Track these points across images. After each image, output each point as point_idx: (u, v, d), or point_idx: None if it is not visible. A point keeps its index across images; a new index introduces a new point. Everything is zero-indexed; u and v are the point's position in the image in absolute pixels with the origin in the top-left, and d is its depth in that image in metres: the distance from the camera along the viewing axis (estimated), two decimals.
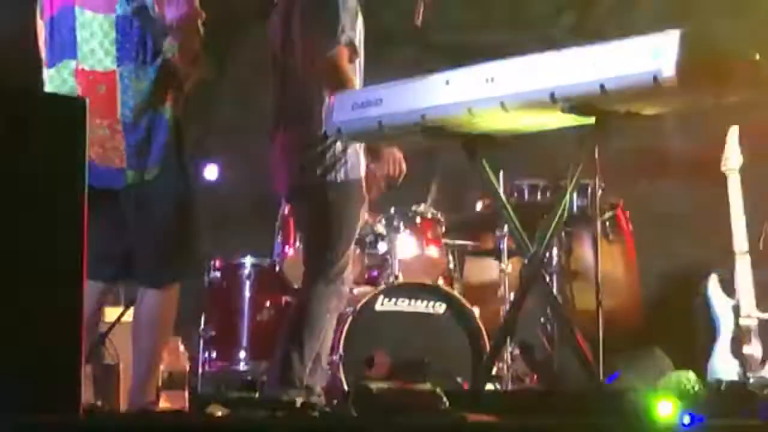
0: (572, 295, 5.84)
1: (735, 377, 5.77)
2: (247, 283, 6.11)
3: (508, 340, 5.58)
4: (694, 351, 5.99)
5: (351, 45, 5.28)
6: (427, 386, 4.25)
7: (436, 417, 3.96)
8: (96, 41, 4.61)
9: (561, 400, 4.81)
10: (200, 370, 6.06)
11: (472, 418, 3.90)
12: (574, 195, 5.70)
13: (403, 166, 5.50)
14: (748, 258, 5.95)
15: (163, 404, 4.40)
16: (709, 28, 5.94)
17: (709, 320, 5.96)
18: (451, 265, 6.34)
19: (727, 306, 5.94)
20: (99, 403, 4.76)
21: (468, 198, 6.66)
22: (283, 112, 5.50)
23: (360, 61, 5.45)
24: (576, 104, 4.70)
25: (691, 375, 5.47)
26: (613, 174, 5.95)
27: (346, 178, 5.32)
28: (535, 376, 6.11)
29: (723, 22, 6.98)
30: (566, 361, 5.55)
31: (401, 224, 6.09)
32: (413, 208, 6.23)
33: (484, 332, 5.78)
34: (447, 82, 4.93)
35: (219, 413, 4.07)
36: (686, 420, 3.95)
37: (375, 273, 6.16)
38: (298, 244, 6.11)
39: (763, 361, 5.86)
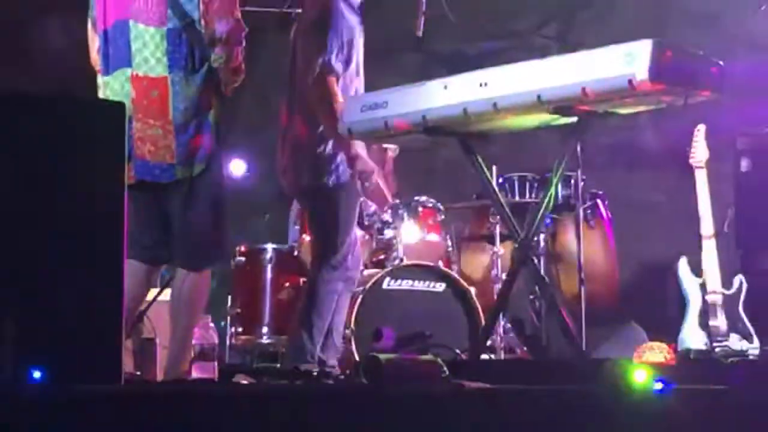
0: (557, 276, 5.84)
1: (702, 347, 5.77)
2: (269, 266, 6.13)
3: (501, 316, 5.57)
4: (667, 324, 5.96)
5: (331, 69, 5.27)
6: (429, 357, 4.25)
7: (437, 384, 3.95)
8: (149, 51, 4.61)
9: (548, 369, 4.81)
10: (228, 344, 6.07)
11: (469, 386, 3.90)
12: (559, 186, 5.68)
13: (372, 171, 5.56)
14: (713, 241, 5.96)
15: (195, 374, 4.40)
16: (677, 37, 5.89)
17: (679, 297, 5.96)
18: (450, 249, 6.35)
19: (695, 284, 5.94)
20: (138, 373, 4.76)
21: (463, 188, 6.65)
22: (290, 121, 5.51)
23: (361, 69, 5.47)
24: (560, 105, 4.72)
25: (664, 346, 5.47)
26: (593, 167, 5.94)
27: (338, 181, 5.33)
28: (525, 348, 6.11)
29: (690, 31, 6.96)
30: (553, 334, 5.55)
31: (405, 213, 6.13)
32: (415, 198, 6.25)
33: (479, 309, 5.78)
34: (445, 87, 4.94)
35: (244, 382, 4.07)
36: (659, 386, 3.95)
37: (382, 256, 6.19)
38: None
39: (727, 333, 5.86)
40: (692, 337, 5.87)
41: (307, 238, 6.06)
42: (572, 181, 5.90)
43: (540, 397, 3.80)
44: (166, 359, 4.78)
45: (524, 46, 5.47)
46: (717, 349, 5.74)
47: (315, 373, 4.64)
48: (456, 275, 5.97)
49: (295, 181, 5.49)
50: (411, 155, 5.82)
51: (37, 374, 3.32)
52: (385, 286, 5.81)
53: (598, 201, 6.31)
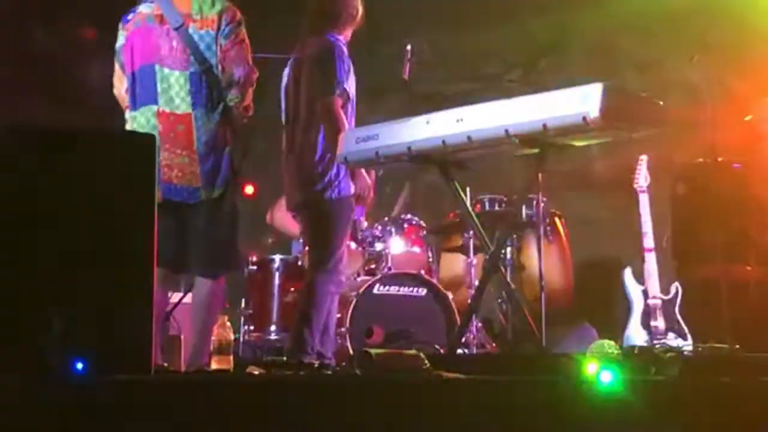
0: (521, 283, 5.84)
1: (644, 344, 5.80)
2: (277, 274, 6.13)
3: (474, 316, 5.57)
4: (614, 324, 5.99)
5: (344, 94, 5.30)
6: (413, 351, 4.24)
7: (419, 375, 3.95)
8: (174, 91, 4.58)
9: (514, 362, 4.81)
10: (241, 340, 6.07)
11: (447, 376, 3.89)
12: (523, 206, 5.69)
13: (369, 186, 5.58)
14: (653, 254, 5.98)
15: (214, 366, 4.40)
16: (623, 80, 5.91)
17: (625, 301, 5.98)
18: (430, 260, 6.35)
19: (638, 290, 5.96)
20: (165, 364, 4.76)
21: (442, 208, 6.65)
22: (291, 141, 5.50)
23: (353, 105, 5.46)
24: (524, 138, 4.72)
25: (612, 343, 5.48)
26: (552, 190, 5.95)
27: (339, 195, 5.33)
28: (494, 344, 6.12)
29: (634, 75, 6.99)
30: (517, 332, 5.55)
31: (393, 229, 6.13)
32: (401, 216, 6.26)
33: (455, 310, 5.79)
34: (427, 122, 4.94)
35: (256, 372, 4.07)
36: (607, 377, 3.97)
37: (373, 265, 6.19)
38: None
39: (665, 332, 5.89)
40: (636, 335, 5.90)
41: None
42: (534, 203, 5.91)
43: (506, 386, 3.79)
44: (189, 353, 4.77)
45: (493, 88, 5.49)
46: (657, 346, 5.76)
47: (316, 365, 4.64)
48: (436, 282, 5.97)
49: (298, 195, 5.46)
50: (398, 180, 5.83)
51: (79, 366, 3.30)
52: (375, 290, 5.80)
53: (556, 219, 6.32)
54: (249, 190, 7.00)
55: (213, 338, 4.55)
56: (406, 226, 6.22)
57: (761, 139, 6.59)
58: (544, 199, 5.97)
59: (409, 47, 5.70)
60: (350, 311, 5.67)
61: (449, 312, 5.75)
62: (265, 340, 6.08)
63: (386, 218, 6.23)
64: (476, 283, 5.64)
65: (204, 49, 4.57)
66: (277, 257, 6.19)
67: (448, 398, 3.65)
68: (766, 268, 6.42)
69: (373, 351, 4.38)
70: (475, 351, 5.88)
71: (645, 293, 5.96)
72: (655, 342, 5.83)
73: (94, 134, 4.17)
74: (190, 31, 4.56)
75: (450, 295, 5.83)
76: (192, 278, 4.88)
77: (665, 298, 5.96)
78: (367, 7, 5.45)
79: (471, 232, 6.02)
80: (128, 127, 4.66)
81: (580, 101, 4.54)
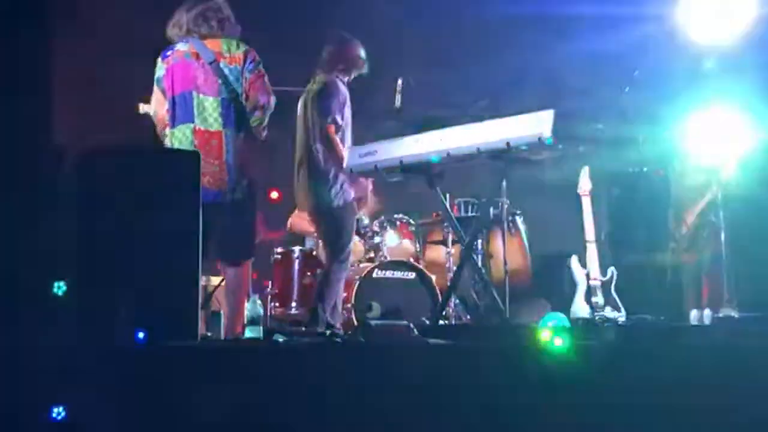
0: (489, 267, 5.84)
1: (587, 316, 5.79)
2: (296, 262, 6.10)
3: (452, 295, 5.58)
4: (563, 300, 5.95)
5: (335, 123, 5.30)
6: (404, 322, 4.25)
7: (409, 341, 3.97)
8: (207, 113, 4.55)
9: (484, 331, 4.82)
10: (269, 314, 6.07)
11: (431, 342, 3.93)
12: (491, 207, 5.68)
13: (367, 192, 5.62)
14: (594, 245, 5.96)
15: (247, 334, 4.40)
16: (569, 106, 5.88)
17: (571, 282, 5.98)
18: (418, 250, 6.36)
19: (582, 273, 5.95)
20: (209, 333, 4.75)
21: (427, 209, 6.63)
22: (301, 157, 5.47)
23: (349, 129, 5.45)
24: (491, 154, 4.72)
25: (561, 315, 5.49)
26: (514, 194, 5.95)
27: (345, 202, 5.33)
28: (468, 317, 6.12)
29: (577, 102, 6.96)
30: (487, 307, 5.55)
31: (388, 226, 6.14)
32: (395, 215, 6.26)
33: (438, 290, 5.79)
34: (415, 141, 4.94)
35: (281, 339, 4.07)
36: (558, 342, 3.97)
37: (372, 255, 6.17)
38: None
39: (603, 306, 5.88)
40: (580, 309, 5.88)
41: (321, 243, 6.04)
42: (499, 204, 5.92)
43: (478, 350, 3.80)
44: (226, 325, 4.75)
45: (467, 114, 5.48)
46: (597, 317, 5.76)
47: (328, 334, 4.64)
48: (422, 267, 5.97)
49: (311, 202, 5.44)
50: (392, 187, 5.82)
51: (141, 335, 3.34)
52: (374, 275, 5.79)
53: (517, 218, 6.31)
54: (274, 195, 6.99)
55: (246, 312, 4.55)
56: (398, 223, 6.23)
57: (676, 154, 6.62)
58: (507, 201, 5.97)
59: (399, 82, 5.69)
60: (354, 291, 5.67)
61: (433, 291, 5.76)
62: (287, 314, 6.07)
63: (382, 217, 6.23)
64: (454, 268, 5.64)
65: (233, 80, 4.56)
66: (297, 249, 6.18)
67: (432, 359, 3.66)
68: (680, 255, 6.44)
69: (372, 322, 4.41)
70: (453, 322, 5.88)
71: (587, 276, 5.95)
72: (595, 314, 5.82)
73: (159, 151, 4.24)
74: (221, 65, 4.55)
75: (433, 278, 5.84)
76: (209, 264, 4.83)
77: (603, 279, 5.95)
78: (367, 52, 5.45)
79: (450, 228, 6.02)
80: (167, 141, 4.63)
81: (536, 124, 4.54)
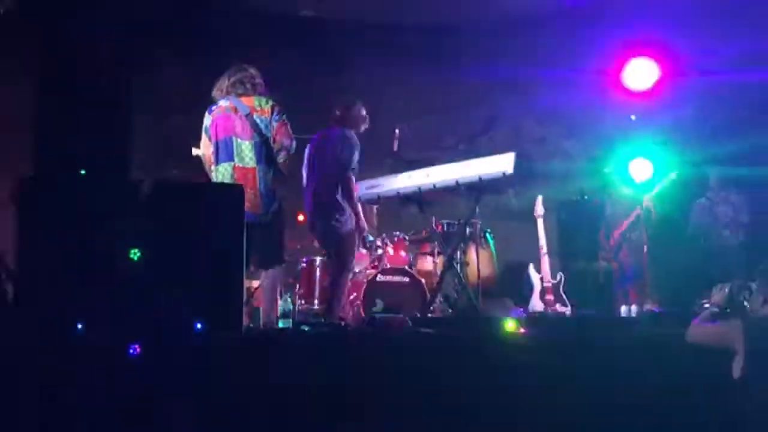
0: (466, 273, 5.78)
1: (541, 310, 5.79)
2: (318, 269, 6.01)
3: (438, 294, 5.53)
4: (523, 299, 5.92)
5: (353, 171, 5.09)
6: (401, 315, 4.25)
7: (405, 330, 3.96)
8: (244, 153, 4.49)
9: (462, 322, 4.81)
10: (297, 309, 6.00)
11: (422, 330, 3.95)
12: (467, 227, 5.63)
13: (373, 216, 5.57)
14: (547, 255, 5.97)
15: (280, 325, 4.39)
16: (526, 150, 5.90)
17: (529, 284, 5.97)
18: (411, 260, 6.27)
19: (537, 278, 5.95)
20: (251, 324, 4.72)
21: (418, 228, 6.57)
22: (315, 190, 5.18)
23: (357, 169, 5.22)
24: (468, 186, 4.76)
25: (521, 310, 5.49)
26: (485, 216, 5.90)
27: (348, 229, 5.21)
28: (450, 311, 6.05)
29: (532, 146, 6.97)
30: (464, 304, 5.51)
31: (388, 241, 6.05)
32: (393, 233, 6.16)
33: (427, 291, 5.69)
34: (409, 176, 4.98)
35: (306, 328, 4.05)
36: (520, 331, 3.97)
37: (376, 263, 6.05)
38: None
39: (554, 303, 5.88)
40: (536, 305, 5.89)
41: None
42: (474, 224, 5.85)
43: (458, 337, 3.83)
44: (264, 317, 4.65)
45: (449, 155, 5.50)
46: (549, 311, 5.77)
47: (342, 324, 4.61)
48: (414, 273, 5.88)
49: (320, 226, 5.17)
50: (391, 212, 5.85)
51: (198, 326, 3.29)
52: (378, 279, 5.65)
53: (487, 235, 6.23)
54: (300, 217, 6.95)
55: (279, 308, 4.54)
56: (396, 238, 6.15)
57: (608, 186, 6.65)
58: (479, 222, 5.95)
59: (397, 131, 5.69)
60: (363, 291, 5.60)
61: (422, 292, 5.65)
62: (311, 309, 6.02)
63: (384, 234, 6.20)
64: (439, 273, 5.63)
65: (263, 128, 4.51)
66: (318, 258, 6.12)
67: (422, 344, 3.68)
68: (610, 262, 6.46)
69: (377, 315, 4.41)
70: (438, 316, 5.84)
71: (541, 279, 5.95)
72: (547, 309, 5.83)
73: (215, 186, 4.23)
74: (254, 117, 4.52)
75: (423, 281, 5.78)
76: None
77: (554, 282, 5.95)
78: (371, 109, 5.42)
79: (435, 243, 5.99)
80: (212, 176, 4.56)
81: (501, 163, 4.59)
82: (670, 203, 6.43)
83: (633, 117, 6.61)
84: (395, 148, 5.65)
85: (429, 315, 5.15)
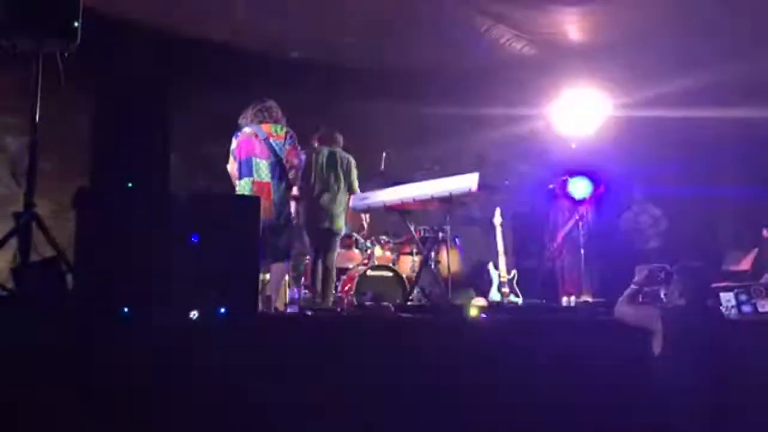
0: (439, 270, 5.77)
1: (499, 300, 5.79)
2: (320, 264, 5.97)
3: (416, 286, 5.49)
4: (484, 290, 5.92)
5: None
6: (386, 304, 4.25)
7: (389, 315, 3.97)
8: (261, 170, 4.46)
9: (435, 309, 4.77)
10: (302, 297, 5.95)
11: (403, 316, 3.93)
12: (440, 232, 5.58)
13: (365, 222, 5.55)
14: (504, 255, 5.96)
15: (288, 310, 4.36)
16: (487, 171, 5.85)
17: (489, 279, 5.96)
18: (395, 258, 6.22)
19: (496, 273, 5.95)
20: (264, 310, 4.68)
21: (401, 232, 6.54)
22: (319, 194, 5.24)
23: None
24: (440, 199, 4.73)
25: (483, 299, 5.49)
26: (455, 224, 5.77)
27: (341, 232, 5.26)
28: (426, 300, 5.98)
29: (493, 168, 6.96)
30: (437, 295, 5.49)
31: (376, 242, 6.04)
32: (381, 237, 6.14)
33: (407, 284, 5.67)
34: (394, 191, 4.96)
35: (310, 313, 4.04)
36: (482, 315, 3.97)
37: (366, 261, 6.02)
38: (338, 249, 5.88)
39: (509, 294, 5.87)
40: (495, 296, 5.89)
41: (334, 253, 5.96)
42: (445, 230, 5.82)
43: (432, 321, 3.84)
44: (274, 303, 4.60)
45: (425, 174, 5.47)
46: (505, 301, 5.77)
47: (338, 310, 4.60)
48: (397, 269, 5.86)
49: (322, 226, 5.23)
50: (379, 219, 5.82)
51: (222, 310, 3.25)
52: (368, 273, 5.61)
53: (456, 239, 6.24)
54: None
55: (289, 296, 4.50)
56: (382, 241, 6.15)
57: (553, 199, 6.68)
58: (450, 228, 5.91)
59: (384, 154, 5.71)
60: (355, 283, 5.58)
61: (404, 285, 5.65)
62: (313, 298, 5.99)
63: (372, 237, 6.18)
64: (417, 270, 5.61)
65: (278, 150, 4.49)
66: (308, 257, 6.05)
67: (403, 326, 3.66)
68: (553, 260, 6.46)
69: (367, 304, 4.40)
70: (416, 304, 5.81)
71: (499, 275, 5.96)
72: (504, 299, 5.82)
73: (237, 197, 4.20)
74: (271, 141, 4.50)
75: (404, 276, 5.77)
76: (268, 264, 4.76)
77: (509, 277, 5.96)
78: (363, 136, 5.42)
79: (414, 245, 5.96)
80: (237, 189, 4.53)
81: (468, 181, 4.57)
82: (602, 213, 6.47)
83: (573, 145, 6.65)
84: (382, 168, 5.66)
85: (409, 303, 5.14)
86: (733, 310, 3.92)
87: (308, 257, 5.94)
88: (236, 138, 4.60)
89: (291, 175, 4.54)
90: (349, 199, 5.34)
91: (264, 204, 4.35)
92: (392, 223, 5.94)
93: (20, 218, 3.44)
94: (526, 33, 6.09)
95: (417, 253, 5.92)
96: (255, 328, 3.31)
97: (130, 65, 5.99)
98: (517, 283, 5.98)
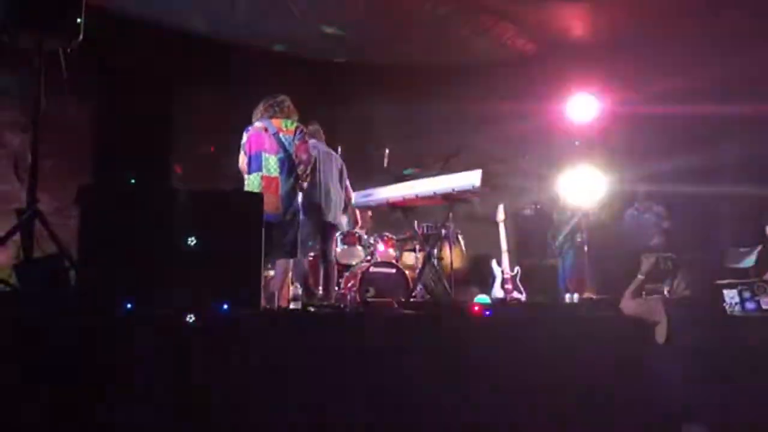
0: (442, 266, 5.79)
1: (502, 297, 5.79)
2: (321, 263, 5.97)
3: (419, 283, 5.50)
4: (487, 287, 5.96)
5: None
6: (389, 299, 4.23)
7: (392, 312, 3.94)
8: (270, 165, 4.47)
9: (438, 305, 4.78)
10: (303, 294, 5.93)
11: (405, 312, 3.92)
12: (442, 229, 5.61)
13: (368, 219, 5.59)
14: (507, 252, 5.97)
15: (291, 306, 4.35)
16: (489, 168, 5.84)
17: (492, 275, 5.96)
18: (397, 255, 6.25)
19: (499, 270, 5.95)
20: (267, 306, 4.68)
21: (403, 228, 6.54)
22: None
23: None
24: (443, 196, 4.71)
25: (486, 296, 5.48)
26: (457, 221, 5.88)
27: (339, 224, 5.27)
28: (429, 296, 6.00)
29: (496, 165, 6.95)
30: (440, 291, 5.49)
31: (379, 239, 6.06)
32: (383, 233, 6.16)
33: (410, 280, 5.68)
34: (396, 187, 4.92)
35: (312, 309, 4.04)
36: (486, 312, 3.96)
37: (369, 258, 6.04)
38: (338, 245, 5.90)
39: (512, 291, 5.87)
40: (497, 292, 5.88)
41: (339, 248, 5.94)
42: (448, 227, 5.82)
43: (435, 316, 3.82)
44: (276, 300, 4.62)
45: (427, 171, 5.47)
46: (508, 298, 5.76)
47: (342, 307, 4.60)
48: (400, 266, 5.87)
49: (333, 221, 5.30)
50: (382, 216, 5.81)
51: (225, 306, 3.24)
52: (371, 270, 5.61)
53: (459, 236, 6.25)
54: None
55: (291, 293, 4.50)
56: (385, 237, 6.15)
57: (556, 197, 6.65)
58: (452, 225, 5.93)
59: (387, 151, 5.70)
60: (358, 280, 5.59)
61: (406, 281, 5.65)
62: (316, 295, 5.99)
63: (375, 234, 6.18)
64: (419, 266, 5.61)
65: (287, 145, 4.50)
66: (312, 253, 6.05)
67: (407, 323, 3.64)
68: (555, 259, 6.44)
69: (370, 300, 4.38)
70: (419, 300, 5.81)
71: (502, 271, 5.95)
72: (506, 296, 5.82)
73: (239, 193, 4.18)
74: (280, 136, 4.52)
75: (407, 273, 5.77)
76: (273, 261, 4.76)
77: (512, 274, 5.95)
78: (367, 134, 5.41)
79: (417, 242, 5.96)
80: (246, 184, 4.53)
81: (470, 178, 4.54)
82: (605, 211, 6.45)
83: (577, 142, 6.63)
84: (385, 164, 5.65)
85: (411, 299, 5.13)
86: (737, 307, 3.91)
87: (311, 254, 5.96)
88: (247, 132, 4.59)
89: (300, 170, 4.54)
90: (344, 193, 5.35)
91: (272, 199, 4.39)
92: (395, 219, 5.90)
93: (23, 215, 3.42)
94: (528, 30, 6.08)
95: (420, 250, 5.92)
96: (257, 323, 3.29)
97: (131, 62, 5.99)
98: (519, 280, 5.97)
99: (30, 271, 3.25)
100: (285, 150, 4.49)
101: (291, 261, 4.65)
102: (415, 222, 5.50)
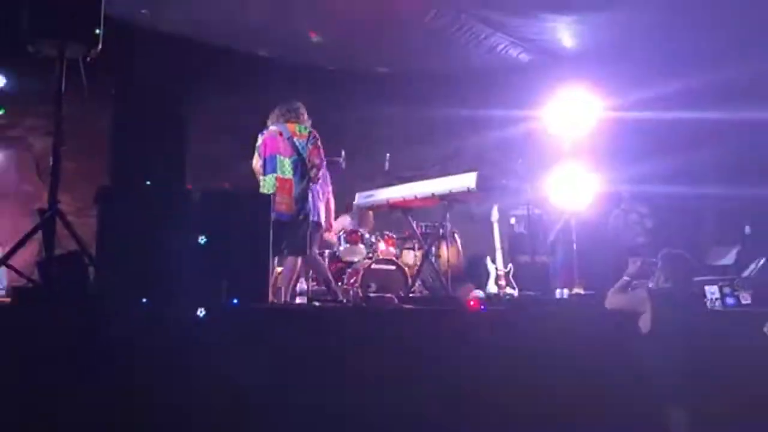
0: (439, 264, 5.76)
1: (496, 292, 5.77)
2: (326, 259, 5.79)
3: (418, 279, 5.48)
4: (482, 284, 5.87)
5: None
6: (389, 295, 4.21)
7: (393, 306, 3.95)
8: (285, 167, 4.44)
9: (435, 300, 4.78)
10: (309, 289, 5.94)
11: (406, 307, 3.92)
12: (440, 228, 5.58)
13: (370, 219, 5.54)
14: (501, 250, 5.94)
15: (297, 301, 4.33)
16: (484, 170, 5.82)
17: (487, 272, 5.94)
18: (398, 252, 6.22)
19: (493, 267, 5.92)
20: (274, 300, 4.66)
21: (402, 228, 6.53)
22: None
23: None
24: (440, 196, 4.71)
25: (481, 292, 5.47)
26: (454, 221, 5.85)
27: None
28: (427, 292, 6.01)
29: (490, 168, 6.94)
30: (437, 287, 5.48)
31: (380, 237, 6.02)
32: (384, 232, 6.12)
33: (409, 276, 5.66)
34: (397, 189, 4.93)
35: (318, 304, 4.03)
36: (482, 307, 3.95)
37: (371, 255, 5.98)
38: (342, 243, 5.80)
39: (506, 287, 5.84)
40: (491, 288, 5.86)
41: (341, 247, 5.93)
42: (445, 226, 5.80)
43: (433, 311, 3.82)
44: (285, 295, 4.61)
45: (426, 174, 5.44)
46: (501, 294, 5.75)
47: (345, 301, 4.60)
48: (400, 263, 5.85)
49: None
50: (383, 216, 5.80)
51: (235, 301, 3.24)
52: (372, 267, 5.56)
53: (455, 234, 6.21)
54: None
55: (297, 288, 4.49)
56: (385, 236, 6.13)
57: (547, 198, 6.64)
58: (449, 224, 5.90)
59: (388, 155, 5.68)
60: (360, 276, 5.57)
61: (406, 278, 5.63)
62: (321, 290, 5.97)
63: (377, 232, 6.16)
64: (418, 263, 5.59)
65: (301, 149, 4.48)
66: (326, 251, 6.04)
67: (407, 317, 3.65)
68: (546, 255, 6.39)
69: (372, 296, 4.38)
70: (418, 295, 5.80)
71: (496, 268, 5.93)
72: (500, 292, 5.80)
73: (253, 193, 4.18)
74: (294, 140, 4.49)
75: (406, 269, 5.75)
76: (282, 259, 4.75)
77: (505, 270, 5.94)
78: (369, 138, 5.40)
79: (416, 240, 5.94)
80: (261, 185, 4.50)
81: (466, 180, 4.54)
82: (593, 212, 6.44)
83: (567, 146, 6.62)
84: (386, 167, 5.64)
85: (411, 295, 5.12)
86: (718, 302, 3.91)
87: (317, 251, 5.95)
88: (262, 136, 4.58)
89: (312, 173, 4.52)
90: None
91: (285, 199, 4.39)
92: (396, 219, 5.91)
93: (45, 214, 3.43)
94: (522, 40, 6.07)
95: (418, 248, 5.91)
96: (265, 317, 3.29)
97: (148, 70, 6.00)
98: (513, 276, 5.96)
99: (51, 267, 3.25)
100: (298, 153, 4.48)
101: (300, 258, 4.63)
102: (414, 222, 5.48)
